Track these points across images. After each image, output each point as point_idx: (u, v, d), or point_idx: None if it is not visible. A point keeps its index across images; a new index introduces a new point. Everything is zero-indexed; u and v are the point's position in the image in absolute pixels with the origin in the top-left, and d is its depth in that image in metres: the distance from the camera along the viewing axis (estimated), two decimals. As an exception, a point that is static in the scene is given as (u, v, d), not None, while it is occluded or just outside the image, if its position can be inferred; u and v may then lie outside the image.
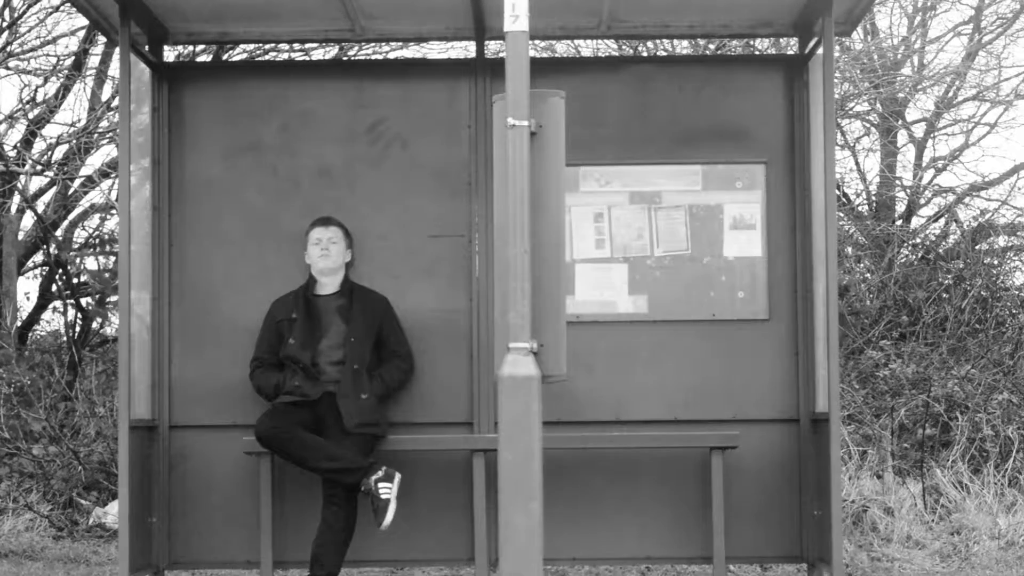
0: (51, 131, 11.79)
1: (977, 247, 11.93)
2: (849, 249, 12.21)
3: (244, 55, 11.73)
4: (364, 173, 6.91)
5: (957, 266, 11.40)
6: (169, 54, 9.72)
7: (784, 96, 6.91)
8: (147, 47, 6.88)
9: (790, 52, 10.90)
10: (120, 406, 6.38)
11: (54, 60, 11.54)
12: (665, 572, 7.78)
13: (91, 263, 12.70)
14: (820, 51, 6.58)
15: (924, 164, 13.67)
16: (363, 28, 7.02)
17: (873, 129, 13.75)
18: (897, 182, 13.49)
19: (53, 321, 12.77)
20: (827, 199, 6.40)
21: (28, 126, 11.58)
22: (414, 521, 6.68)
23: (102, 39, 11.27)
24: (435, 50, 12.32)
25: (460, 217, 6.87)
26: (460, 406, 6.82)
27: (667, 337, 6.83)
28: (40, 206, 12.11)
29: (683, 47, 12.24)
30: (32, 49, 11.38)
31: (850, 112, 13.23)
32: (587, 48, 12.82)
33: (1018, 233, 12.38)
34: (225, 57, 11.50)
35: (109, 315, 11.77)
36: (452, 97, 6.92)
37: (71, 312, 11.60)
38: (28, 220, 12.16)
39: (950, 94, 13.69)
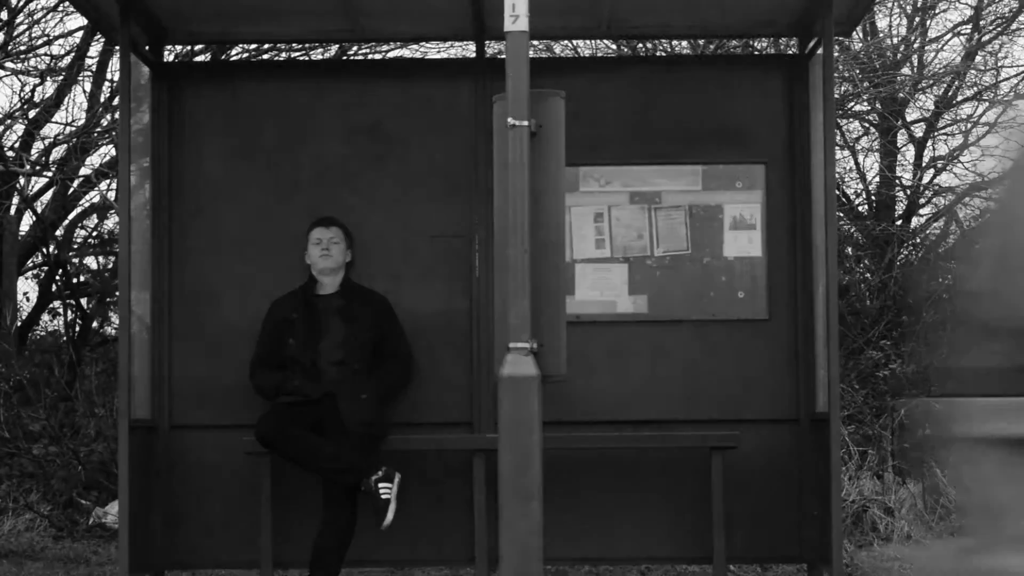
0: (50, 131, 11.81)
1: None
2: (849, 249, 12.21)
3: (244, 55, 11.73)
4: (364, 173, 6.90)
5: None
6: (169, 54, 9.71)
7: (784, 96, 6.91)
8: (147, 47, 6.88)
9: (790, 52, 10.90)
10: (120, 406, 6.39)
11: (51, 60, 11.54)
12: (665, 572, 7.78)
13: (91, 263, 12.71)
14: (820, 51, 6.58)
15: (924, 164, 13.67)
16: (363, 28, 7.02)
17: (873, 129, 13.75)
18: (897, 182, 13.49)
19: (53, 322, 12.78)
20: (827, 199, 6.40)
21: (26, 126, 11.58)
22: (414, 521, 6.67)
23: (101, 38, 11.26)
24: (435, 50, 12.31)
25: (460, 217, 6.87)
26: (460, 406, 6.82)
27: (667, 337, 6.83)
28: (39, 206, 12.11)
29: (683, 47, 12.23)
30: (30, 49, 11.37)
31: (850, 112, 13.23)
32: (587, 48, 12.82)
33: (1018, 233, 12.36)
34: (224, 57, 11.50)
35: (109, 314, 11.78)
36: (452, 97, 6.92)
37: (70, 312, 11.61)
38: (27, 220, 12.16)
39: (950, 94, 13.69)
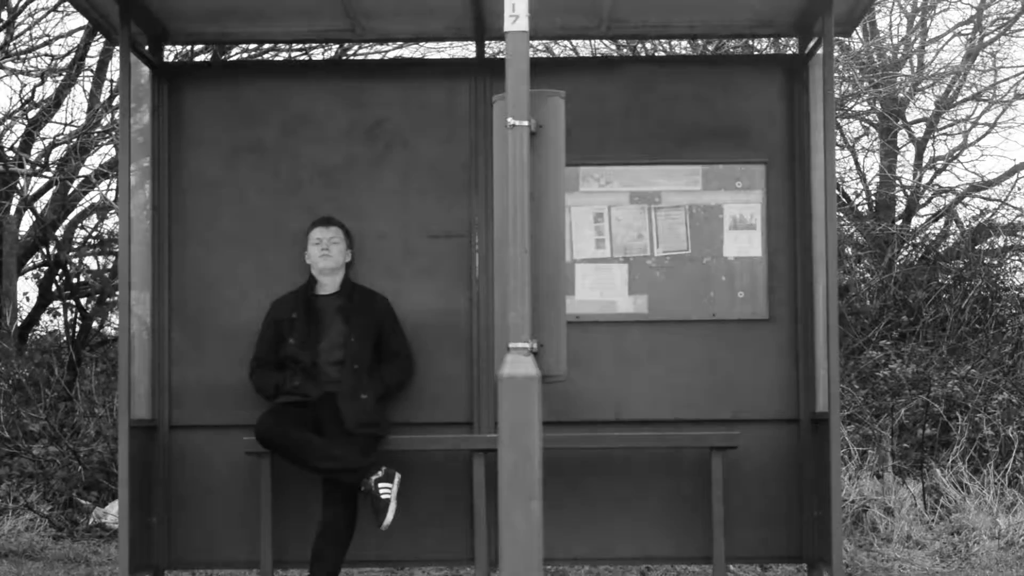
0: (49, 131, 11.81)
1: (977, 247, 11.93)
2: (849, 249, 12.21)
3: (244, 55, 11.73)
4: (364, 173, 6.90)
5: (957, 266, 11.41)
6: (169, 54, 9.72)
7: (784, 96, 6.90)
8: (147, 47, 6.88)
9: (790, 52, 10.90)
10: (120, 406, 6.38)
11: (51, 60, 11.55)
12: (665, 572, 7.78)
13: (90, 262, 12.72)
14: (820, 51, 6.58)
15: (924, 164, 13.67)
16: (363, 28, 7.02)
17: (873, 129, 13.76)
18: (897, 182, 13.49)
19: (53, 322, 12.79)
20: (827, 199, 6.40)
21: (26, 126, 11.59)
22: (414, 521, 6.68)
23: (101, 38, 11.27)
24: (435, 50, 12.32)
25: (460, 217, 6.87)
26: (460, 406, 6.81)
27: (667, 337, 6.83)
28: (39, 206, 12.12)
29: (683, 47, 12.24)
30: (30, 49, 11.38)
31: (850, 112, 13.23)
32: (586, 48, 12.83)
33: (1018, 233, 12.39)
34: (224, 57, 11.51)
35: (109, 314, 11.78)
36: (452, 97, 6.92)
37: (70, 312, 11.60)
38: (27, 220, 12.17)
39: (950, 94, 13.69)
